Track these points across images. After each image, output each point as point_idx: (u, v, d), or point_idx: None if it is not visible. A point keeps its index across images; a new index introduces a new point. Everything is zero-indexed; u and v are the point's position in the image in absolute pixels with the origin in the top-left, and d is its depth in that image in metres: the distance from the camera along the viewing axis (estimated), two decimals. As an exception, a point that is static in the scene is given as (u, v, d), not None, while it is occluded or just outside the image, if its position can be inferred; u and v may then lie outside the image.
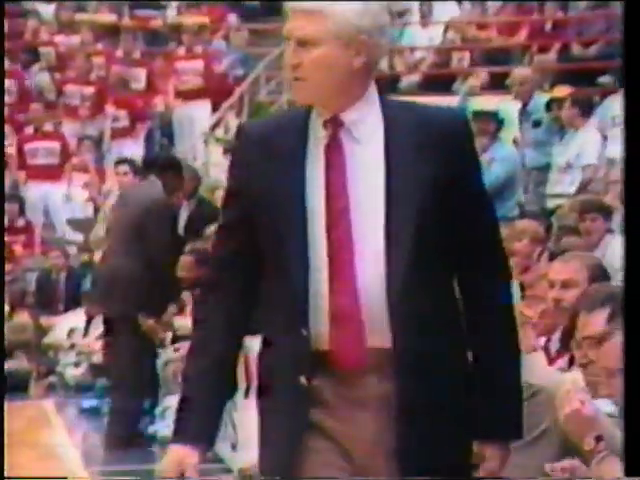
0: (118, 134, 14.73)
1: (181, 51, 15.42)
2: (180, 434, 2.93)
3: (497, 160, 9.98)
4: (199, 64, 15.17)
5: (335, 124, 2.89)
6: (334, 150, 2.90)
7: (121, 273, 8.34)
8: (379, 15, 2.90)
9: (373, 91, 2.93)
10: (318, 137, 2.90)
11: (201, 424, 2.93)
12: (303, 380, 2.84)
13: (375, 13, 2.89)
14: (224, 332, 2.93)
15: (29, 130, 14.70)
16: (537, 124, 11.16)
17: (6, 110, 14.96)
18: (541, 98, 11.43)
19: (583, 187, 10.01)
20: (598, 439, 3.51)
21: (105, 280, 8.69)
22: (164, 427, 8.16)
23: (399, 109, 2.92)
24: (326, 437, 2.86)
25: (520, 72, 11.97)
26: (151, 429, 8.48)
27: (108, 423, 8.68)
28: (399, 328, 2.82)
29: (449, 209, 2.86)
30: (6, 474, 5.27)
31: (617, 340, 3.34)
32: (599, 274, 4.78)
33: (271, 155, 2.89)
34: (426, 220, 2.84)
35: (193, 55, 15.29)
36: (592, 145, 10.53)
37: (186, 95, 15.00)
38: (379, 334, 2.84)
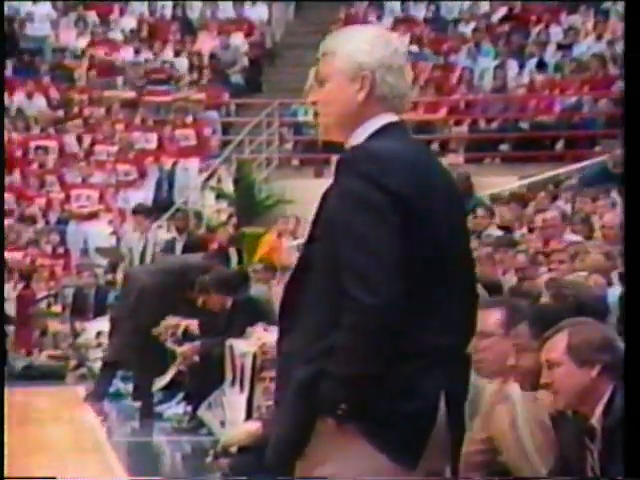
0: (130, 184, 14.75)
1: (184, 120, 15.48)
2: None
3: None
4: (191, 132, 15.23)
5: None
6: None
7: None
8: (388, 55, 2.48)
9: (370, 126, 2.46)
10: None
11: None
12: None
13: (382, 53, 2.48)
14: None
15: (75, 179, 14.65)
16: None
17: (50, 164, 15.02)
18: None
19: None
20: None
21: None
22: (178, 409, 8.24)
23: (350, 153, 2.44)
24: None
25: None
26: (169, 412, 8.36)
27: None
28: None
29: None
30: (6, 474, 4.91)
31: (569, 366, 3.03)
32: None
33: None
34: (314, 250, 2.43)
35: (188, 124, 15.34)
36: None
37: (185, 153, 15.07)
38: None
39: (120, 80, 16.61)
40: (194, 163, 15.04)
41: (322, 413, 2.36)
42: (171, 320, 8.20)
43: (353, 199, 2.37)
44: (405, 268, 2.36)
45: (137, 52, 17.14)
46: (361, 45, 2.49)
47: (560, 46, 15.62)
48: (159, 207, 13.98)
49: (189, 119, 15.41)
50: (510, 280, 7.23)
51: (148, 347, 8.35)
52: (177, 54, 17.17)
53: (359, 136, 2.47)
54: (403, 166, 2.40)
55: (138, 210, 11.42)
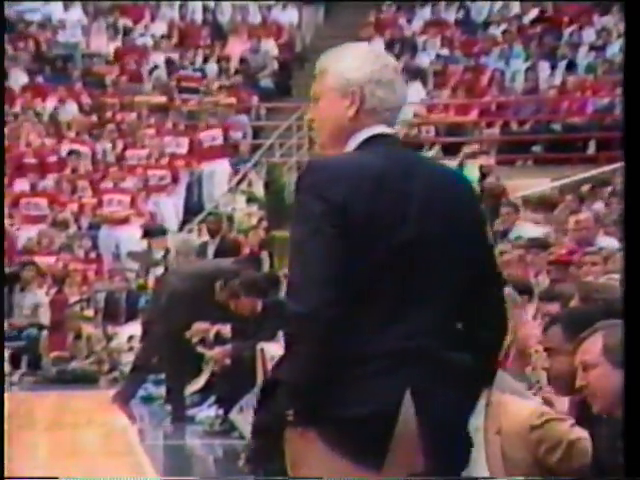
0: (161, 189, 14.82)
1: (212, 121, 15.54)
2: None
3: None
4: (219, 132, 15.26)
5: None
6: None
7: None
8: (377, 70, 2.55)
9: (357, 139, 2.54)
10: None
11: None
12: None
13: (371, 68, 2.55)
14: None
15: (107, 184, 14.77)
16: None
17: (82, 170, 15.12)
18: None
19: None
20: None
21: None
22: (210, 412, 8.26)
23: (304, 167, 2.56)
24: None
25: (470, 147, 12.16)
26: (200, 415, 8.40)
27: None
28: None
29: None
30: (6, 474, 4.92)
31: (605, 368, 2.99)
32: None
33: None
34: None
35: (216, 124, 15.40)
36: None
37: (215, 156, 15.11)
38: None
39: (150, 85, 16.71)
40: (225, 166, 15.08)
41: (276, 420, 2.42)
42: (202, 324, 8.22)
43: (296, 211, 2.47)
44: (346, 277, 2.38)
45: (168, 57, 17.24)
46: (350, 62, 2.56)
47: (592, 47, 15.52)
48: (190, 211, 14.04)
49: (218, 120, 15.46)
50: (543, 282, 7.19)
51: (179, 351, 8.37)
52: (207, 59, 17.25)
53: (348, 148, 2.55)
54: (350, 177, 2.44)
55: (146, 234, 11.58)
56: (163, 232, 11.80)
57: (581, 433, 3.36)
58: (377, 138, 2.54)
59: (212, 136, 15.23)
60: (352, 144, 2.55)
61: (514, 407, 3.44)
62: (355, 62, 2.56)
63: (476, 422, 3.38)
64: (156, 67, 16.97)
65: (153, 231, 11.89)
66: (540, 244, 7.95)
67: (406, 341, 2.42)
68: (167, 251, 10.70)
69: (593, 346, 3.03)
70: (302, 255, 2.41)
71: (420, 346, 2.42)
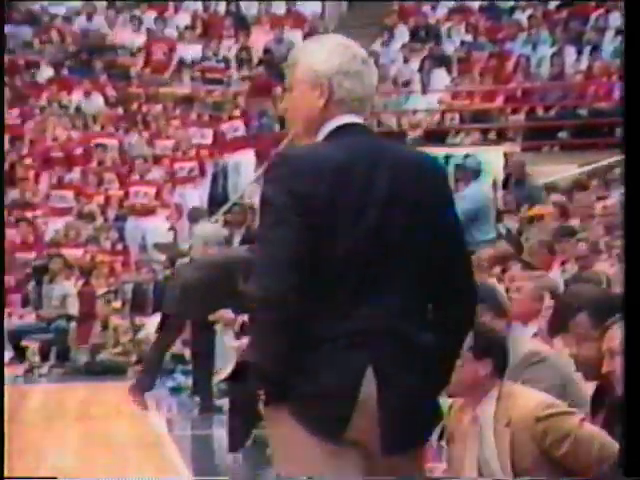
0: (187, 180, 14.82)
1: (236, 112, 15.52)
2: None
3: (466, 196, 9.39)
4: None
5: None
6: None
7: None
8: (345, 62, 2.64)
9: (326, 128, 2.63)
10: None
11: None
12: None
13: (340, 60, 2.64)
14: None
15: (134, 177, 14.76)
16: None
17: (108, 162, 15.17)
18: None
19: None
20: None
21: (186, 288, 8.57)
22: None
23: (273, 158, 2.66)
24: None
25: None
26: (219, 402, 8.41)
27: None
28: None
29: None
30: (6, 474, 4.96)
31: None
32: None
33: None
34: None
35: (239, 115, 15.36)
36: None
37: (239, 147, 15.11)
38: None
39: (175, 77, 16.73)
40: (250, 157, 15.08)
41: (249, 400, 2.53)
42: (228, 314, 8.19)
43: (262, 202, 2.56)
44: (312, 263, 2.47)
45: (191, 48, 17.25)
46: (319, 55, 2.65)
47: (619, 31, 15.35)
48: (215, 202, 14.05)
49: (240, 111, 15.46)
50: (572, 269, 7.14)
51: (198, 342, 8.38)
52: (230, 49, 17.24)
53: (318, 138, 2.64)
54: (313, 168, 2.53)
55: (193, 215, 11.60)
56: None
57: (592, 428, 3.34)
58: (345, 128, 2.62)
59: (235, 127, 15.23)
60: (321, 134, 2.63)
61: (523, 399, 3.46)
62: (323, 54, 2.65)
63: (489, 411, 3.42)
64: (181, 62, 16.99)
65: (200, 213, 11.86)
66: (568, 232, 7.87)
67: (373, 321, 2.50)
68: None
69: (619, 333, 3.03)
70: (268, 242, 2.50)
71: (386, 326, 2.50)
